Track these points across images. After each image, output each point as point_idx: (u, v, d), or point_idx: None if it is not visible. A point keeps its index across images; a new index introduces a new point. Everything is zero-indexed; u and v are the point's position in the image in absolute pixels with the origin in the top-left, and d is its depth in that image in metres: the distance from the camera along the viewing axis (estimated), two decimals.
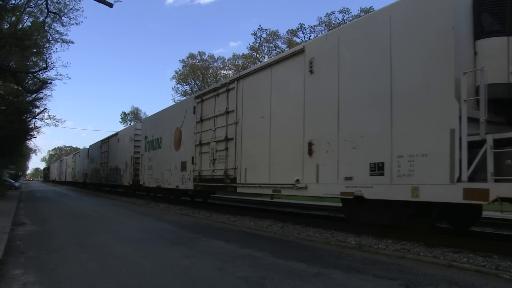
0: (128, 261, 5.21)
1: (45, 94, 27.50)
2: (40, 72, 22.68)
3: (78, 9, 20.03)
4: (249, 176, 10.25)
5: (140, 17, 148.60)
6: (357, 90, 7.26)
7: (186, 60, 47.52)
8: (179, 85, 48.58)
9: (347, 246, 6.38)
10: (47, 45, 22.11)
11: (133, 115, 66.98)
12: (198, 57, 47.26)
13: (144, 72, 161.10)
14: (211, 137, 12.24)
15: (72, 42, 23.46)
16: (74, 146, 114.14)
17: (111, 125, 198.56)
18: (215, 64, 47.18)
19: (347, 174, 7.31)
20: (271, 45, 38.55)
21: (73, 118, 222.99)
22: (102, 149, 28.37)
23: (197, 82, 47.03)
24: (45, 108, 29.83)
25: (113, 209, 14.69)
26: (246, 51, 42.48)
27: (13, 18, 18.57)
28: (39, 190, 35.67)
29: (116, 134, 25.12)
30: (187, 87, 48.15)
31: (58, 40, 21.86)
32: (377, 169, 6.76)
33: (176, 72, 48.30)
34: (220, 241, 6.95)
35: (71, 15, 19.88)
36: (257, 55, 39.24)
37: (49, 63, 22.82)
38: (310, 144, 8.20)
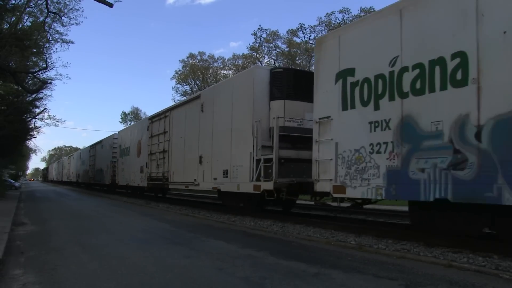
0: (128, 261, 5.21)
1: (45, 94, 27.52)
2: (40, 72, 22.68)
3: (78, 9, 20.01)
4: (175, 177, 15.01)
5: (141, 17, 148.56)
6: (220, 126, 11.84)
7: (186, 60, 47.55)
8: (179, 85, 48.63)
9: (347, 246, 6.38)
10: (47, 45, 22.12)
11: (133, 115, 66.97)
12: (198, 57, 47.28)
13: (144, 72, 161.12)
14: (157, 149, 16.83)
15: (72, 42, 23.45)
16: (74, 146, 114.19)
17: (111, 125, 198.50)
18: (215, 64, 47.21)
19: (214, 176, 11.95)
20: (271, 45, 38.59)
21: (74, 118, 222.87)
22: (90, 153, 32.92)
23: (197, 82, 47.04)
24: (45, 108, 29.83)
25: (113, 209, 14.69)
26: (246, 51, 42.47)
27: (13, 18, 18.57)
28: (39, 190, 35.67)
29: (101, 141, 29.72)
30: (187, 87, 48.19)
31: (58, 40, 21.85)
32: (225, 173, 11.31)
33: (176, 72, 48.34)
34: (220, 241, 6.95)
35: (71, 15, 19.87)
36: (257, 55, 39.25)
37: (49, 63, 22.82)
38: (200, 157, 12.90)
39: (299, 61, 35.76)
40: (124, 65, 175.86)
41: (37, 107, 29.14)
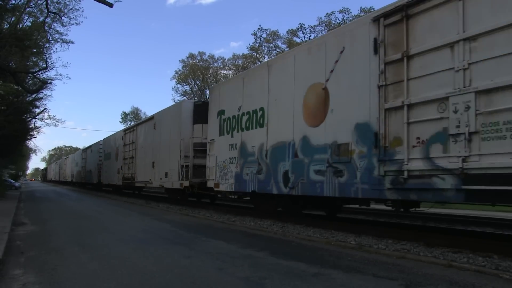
0: (128, 261, 5.21)
1: (45, 94, 27.53)
2: (40, 72, 22.69)
3: (78, 9, 20.03)
4: (139, 177, 19.57)
5: (141, 17, 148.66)
6: (163, 141, 16.39)
7: (186, 60, 47.57)
8: (179, 85, 48.63)
9: (347, 246, 6.38)
10: (47, 45, 22.11)
11: (133, 115, 66.97)
12: (198, 57, 47.29)
13: (144, 72, 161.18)
14: (128, 155, 21.42)
15: (72, 42, 23.46)
16: (74, 146, 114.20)
17: (111, 125, 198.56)
18: (215, 64, 47.20)
19: (160, 177, 16.36)
20: (271, 45, 38.58)
21: (74, 118, 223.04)
22: (82, 156, 37.73)
23: (197, 82, 47.04)
24: (45, 108, 29.88)
25: (113, 209, 14.69)
26: (246, 51, 42.45)
27: (13, 18, 18.56)
28: (39, 190, 35.67)
29: (90, 146, 34.49)
30: (187, 87, 48.20)
31: (58, 40, 21.86)
32: (166, 175, 15.72)
33: (176, 72, 48.35)
34: (220, 241, 6.95)
35: (71, 15, 19.87)
36: (257, 55, 39.24)
37: (49, 63, 22.85)
38: (153, 163, 17.46)
39: None
40: (124, 65, 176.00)
41: (37, 107, 29.16)
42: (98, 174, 29.17)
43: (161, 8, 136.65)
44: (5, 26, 18.24)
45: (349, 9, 34.94)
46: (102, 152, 28.69)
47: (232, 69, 43.70)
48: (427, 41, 6.12)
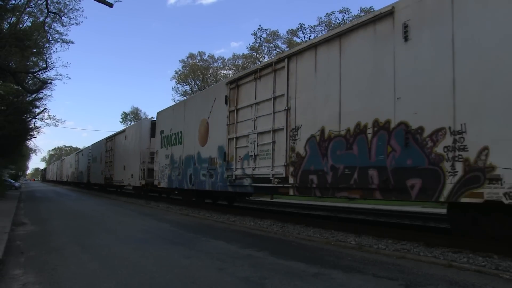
0: (128, 261, 5.21)
1: (45, 94, 27.51)
2: (40, 72, 22.70)
3: (78, 9, 20.05)
4: (115, 178, 24.23)
5: (142, 17, 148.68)
6: (130, 150, 21.08)
7: (186, 60, 47.56)
8: (179, 85, 48.62)
9: (347, 246, 6.38)
10: (47, 45, 22.12)
11: (133, 115, 66.98)
12: (198, 57, 47.28)
13: (145, 72, 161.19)
14: (108, 159, 26.26)
15: (72, 42, 23.49)
16: (74, 146, 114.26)
17: (111, 125, 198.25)
18: (215, 64, 47.20)
19: (128, 177, 21.03)
20: (271, 45, 38.57)
21: (74, 118, 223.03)
22: (75, 159, 42.93)
23: (197, 82, 47.03)
24: (45, 108, 29.85)
25: (113, 209, 14.70)
26: (246, 51, 42.46)
27: (13, 18, 18.57)
28: (39, 190, 35.67)
29: (82, 150, 40.84)
30: (187, 87, 48.18)
31: (58, 40, 21.87)
32: (132, 176, 20.59)
33: (176, 72, 48.34)
34: (220, 241, 6.95)
35: (71, 15, 19.89)
36: (257, 55, 39.24)
37: (49, 63, 22.86)
38: (124, 166, 21.97)
39: None
40: (124, 65, 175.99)
41: (37, 107, 29.14)
42: (87, 175, 34.05)
43: (162, 8, 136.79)
44: (5, 26, 18.24)
45: (349, 9, 35.01)
46: (90, 156, 33.53)
47: (232, 69, 43.70)
48: (245, 100, 10.81)
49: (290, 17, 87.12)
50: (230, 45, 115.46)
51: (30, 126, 31.16)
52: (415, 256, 5.50)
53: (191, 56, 47.38)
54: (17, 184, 41.06)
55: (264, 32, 38.30)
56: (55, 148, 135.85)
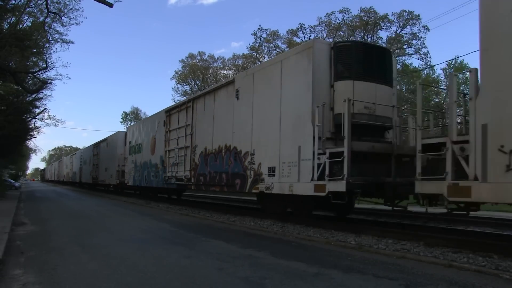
0: (128, 261, 5.21)
1: (45, 94, 27.46)
2: (40, 72, 22.65)
3: (78, 9, 19.96)
4: (100, 178, 28.55)
5: (143, 17, 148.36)
6: (110, 154, 26.28)
7: (186, 60, 47.56)
8: (179, 85, 48.62)
9: (347, 246, 6.38)
10: (47, 45, 22.07)
11: (133, 115, 67.01)
12: (198, 57, 47.28)
13: (146, 72, 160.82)
14: (95, 162, 30.57)
15: (72, 42, 23.41)
16: (74, 146, 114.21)
17: (112, 125, 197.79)
18: (215, 64, 47.20)
19: (108, 177, 26.15)
20: (271, 45, 38.56)
21: (74, 118, 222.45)
22: (70, 161, 48.51)
23: (197, 82, 47.03)
24: (45, 108, 29.76)
25: (113, 209, 14.70)
26: (247, 51, 42.40)
27: (13, 18, 18.56)
28: (39, 190, 35.68)
29: (75, 154, 46.50)
30: (187, 87, 48.18)
31: (58, 40, 21.82)
32: (111, 176, 25.66)
33: (176, 72, 48.35)
34: (220, 241, 6.95)
35: (71, 15, 19.82)
36: (257, 55, 39.23)
37: (49, 63, 22.78)
38: (106, 168, 27.03)
39: None
40: (125, 65, 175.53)
41: (37, 107, 29.11)
42: (80, 175, 38.96)
43: (162, 8, 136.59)
44: (5, 26, 18.23)
45: (349, 9, 34.85)
46: (82, 159, 38.50)
47: (232, 69, 43.70)
48: (173, 125, 15.37)
49: (291, 17, 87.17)
50: (230, 45, 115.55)
51: (30, 126, 31.16)
52: (415, 256, 5.50)
53: (191, 56, 47.42)
54: (17, 184, 41.06)
55: (264, 32, 38.33)
56: (55, 148, 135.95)
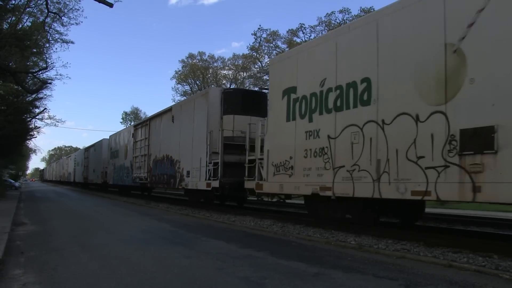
0: (128, 261, 5.21)
1: (45, 94, 27.52)
2: (40, 72, 22.67)
3: (78, 9, 20.00)
4: (89, 178, 34.05)
5: (143, 17, 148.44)
6: (98, 158, 30.62)
7: (185, 60, 47.54)
8: (179, 85, 48.61)
9: (347, 246, 6.38)
10: (47, 45, 22.10)
11: (133, 115, 67.01)
12: (198, 57, 47.26)
13: (146, 72, 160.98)
14: (85, 165, 35.22)
15: (72, 42, 23.47)
16: (74, 146, 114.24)
17: (112, 125, 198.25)
18: (215, 64, 47.18)
19: (95, 177, 31.44)
20: (271, 45, 38.54)
21: (74, 118, 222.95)
22: (66, 162, 53.96)
23: (197, 82, 47.02)
24: (45, 108, 29.83)
25: (113, 209, 14.70)
26: (247, 51, 42.36)
27: (13, 18, 18.56)
28: (39, 190, 35.68)
29: (70, 156, 52.15)
30: (187, 87, 48.17)
31: (58, 40, 21.86)
32: (97, 176, 30.68)
33: (176, 72, 48.33)
34: (220, 241, 6.95)
35: (71, 15, 19.86)
36: (257, 55, 39.23)
37: (49, 63, 22.83)
38: (94, 170, 32.34)
39: None
40: (126, 65, 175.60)
41: (37, 107, 29.15)
42: (73, 175, 43.37)
43: (163, 8, 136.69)
44: (5, 26, 18.23)
45: (349, 9, 34.86)
46: (75, 161, 42.96)
47: (232, 69, 43.70)
48: (138, 137, 20.30)
49: (291, 17, 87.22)
50: (231, 45, 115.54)
51: (30, 126, 31.19)
52: (415, 256, 5.49)
53: (191, 56, 47.38)
54: (17, 184, 41.06)
55: (264, 32, 38.30)
56: (55, 148, 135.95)
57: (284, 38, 37.47)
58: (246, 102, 12.63)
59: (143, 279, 4.30)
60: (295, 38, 36.16)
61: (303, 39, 34.71)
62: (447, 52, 5.88)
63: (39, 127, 32.20)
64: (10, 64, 19.04)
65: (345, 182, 7.46)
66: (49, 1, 17.58)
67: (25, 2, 18.17)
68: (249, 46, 40.09)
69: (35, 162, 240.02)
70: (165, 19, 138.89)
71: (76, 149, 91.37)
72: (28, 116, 29.27)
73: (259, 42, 38.63)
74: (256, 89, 29.71)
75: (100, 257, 5.50)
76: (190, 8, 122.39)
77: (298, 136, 8.81)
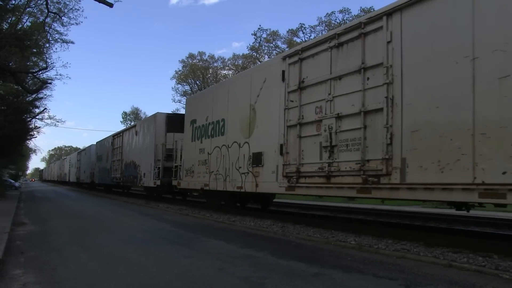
0: (128, 261, 5.21)
1: (45, 94, 27.52)
2: (40, 72, 22.67)
3: (78, 9, 19.99)
4: (80, 178, 40.06)
5: (144, 17, 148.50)
6: (88, 161, 34.73)
7: (186, 60, 47.56)
8: (179, 85, 48.61)
9: (347, 246, 6.38)
10: (47, 45, 22.08)
11: (133, 115, 67.01)
12: (198, 57, 47.27)
13: (147, 72, 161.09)
14: (77, 166, 41.80)
15: (72, 42, 23.44)
16: (74, 146, 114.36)
17: (112, 125, 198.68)
18: (215, 64, 47.20)
19: (86, 177, 36.26)
20: (271, 45, 38.57)
21: (75, 118, 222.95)
22: (62, 164, 58.90)
23: (197, 82, 47.02)
24: (45, 108, 29.83)
25: (113, 209, 14.70)
26: (247, 52, 42.37)
27: (13, 18, 18.54)
28: (39, 190, 35.67)
29: (65, 158, 58.63)
30: (187, 87, 48.19)
31: (58, 40, 21.84)
32: (87, 177, 35.66)
33: (176, 72, 48.35)
34: (220, 241, 6.95)
35: (71, 15, 19.84)
36: (257, 55, 39.22)
37: (49, 63, 22.81)
38: (84, 171, 37.78)
39: None
40: (126, 65, 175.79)
41: (37, 107, 29.15)
42: (68, 176, 48.59)
43: (164, 9, 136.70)
44: (5, 26, 18.22)
45: (349, 9, 34.94)
46: (70, 163, 48.35)
47: (232, 69, 43.68)
48: (115, 145, 25.84)
49: (291, 17, 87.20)
50: (231, 45, 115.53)
51: (30, 126, 31.19)
52: (415, 256, 5.49)
53: (191, 56, 47.43)
54: (17, 184, 41.05)
55: (264, 32, 38.34)
56: (55, 148, 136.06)
57: (284, 38, 37.54)
58: (179, 123, 16.54)
59: (143, 279, 4.30)
60: (295, 38, 36.21)
61: (303, 39, 34.73)
62: (250, 109, 10.36)
63: (39, 127, 32.24)
64: (10, 64, 19.03)
65: (214, 181, 11.95)
66: (49, 1, 17.58)
67: (25, 2, 18.16)
68: (249, 46, 40.14)
69: (35, 162, 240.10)
70: (166, 19, 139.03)
71: (76, 149, 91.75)
72: (28, 116, 29.28)
73: (259, 42, 38.67)
74: None
75: (100, 257, 5.50)
76: (191, 8, 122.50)
77: (196, 152, 13.40)
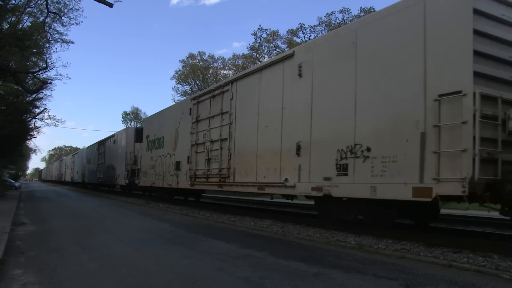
0: (128, 261, 5.21)
1: (45, 94, 27.49)
2: (40, 72, 22.64)
3: (78, 9, 19.96)
4: (74, 178, 44.81)
5: (144, 17, 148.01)
6: (79, 162, 42.13)
7: (186, 60, 47.53)
8: (179, 85, 48.60)
9: (347, 246, 6.38)
10: (47, 45, 22.07)
11: (134, 115, 67.01)
12: (198, 57, 47.24)
13: (147, 72, 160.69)
14: (71, 167, 47.25)
15: (72, 42, 23.42)
16: (74, 146, 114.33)
17: (112, 125, 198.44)
18: (215, 64, 47.17)
19: (80, 177, 41.33)
20: (271, 45, 38.53)
21: (75, 118, 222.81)
22: (59, 165, 63.00)
23: (197, 82, 47.01)
24: (45, 108, 29.77)
25: (113, 209, 14.70)
26: (247, 52, 42.34)
27: (13, 18, 18.54)
28: (39, 190, 35.68)
29: (63, 159, 62.40)
30: (187, 87, 48.15)
31: (58, 40, 21.82)
32: (79, 176, 40.64)
33: (176, 72, 48.32)
34: (220, 241, 6.95)
35: (71, 15, 19.82)
36: (257, 55, 39.20)
37: (49, 63, 22.78)
38: (77, 171, 43.26)
39: None
40: (126, 65, 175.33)
41: (37, 107, 29.12)
42: (64, 176, 53.23)
43: (164, 9, 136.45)
44: (5, 26, 18.22)
45: (349, 9, 34.93)
46: (65, 164, 52.95)
47: (232, 69, 43.67)
48: (100, 150, 31.73)
49: (291, 17, 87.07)
50: (232, 45, 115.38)
51: (30, 126, 31.17)
52: (415, 256, 5.49)
53: (191, 56, 47.37)
54: (17, 184, 41.06)
55: (264, 32, 38.28)
56: (55, 148, 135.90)
57: (284, 38, 37.49)
58: (142, 135, 20.00)
59: (143, 279, 4.30)
60: (295, 38, 36.18)
61: (303, 39, 34.72)
62: (176, 131, 14.86)
63: (39, 127, 32.19)
64: (10, 64, 19.03)
65: (158, 180, 16.48)
66: (49, 1, 17.57)
67: (25, 2, 18.15)
68: (249, 46, 40.13)
69: (35, 162, 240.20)
70: (166, 19, 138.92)
71: (76, 149, 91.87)
72: (28, 116, 29.26)
73: (259, 42, 38.65)
74: None
75: (100, 257, 5.51)
76: (191, 8, 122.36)
77: (149, 159, 17.84)
